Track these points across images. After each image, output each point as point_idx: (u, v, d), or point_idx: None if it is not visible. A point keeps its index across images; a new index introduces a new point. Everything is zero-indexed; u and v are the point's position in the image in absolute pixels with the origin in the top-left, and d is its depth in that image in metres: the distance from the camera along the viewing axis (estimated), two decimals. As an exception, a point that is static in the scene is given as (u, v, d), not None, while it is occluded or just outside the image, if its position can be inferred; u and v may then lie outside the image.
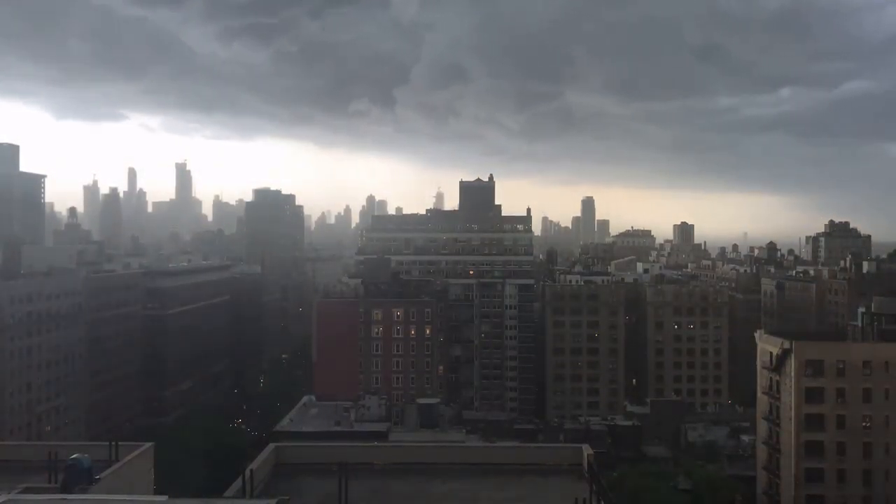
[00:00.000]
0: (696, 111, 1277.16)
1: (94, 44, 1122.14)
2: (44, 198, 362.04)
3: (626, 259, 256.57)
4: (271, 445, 35.31)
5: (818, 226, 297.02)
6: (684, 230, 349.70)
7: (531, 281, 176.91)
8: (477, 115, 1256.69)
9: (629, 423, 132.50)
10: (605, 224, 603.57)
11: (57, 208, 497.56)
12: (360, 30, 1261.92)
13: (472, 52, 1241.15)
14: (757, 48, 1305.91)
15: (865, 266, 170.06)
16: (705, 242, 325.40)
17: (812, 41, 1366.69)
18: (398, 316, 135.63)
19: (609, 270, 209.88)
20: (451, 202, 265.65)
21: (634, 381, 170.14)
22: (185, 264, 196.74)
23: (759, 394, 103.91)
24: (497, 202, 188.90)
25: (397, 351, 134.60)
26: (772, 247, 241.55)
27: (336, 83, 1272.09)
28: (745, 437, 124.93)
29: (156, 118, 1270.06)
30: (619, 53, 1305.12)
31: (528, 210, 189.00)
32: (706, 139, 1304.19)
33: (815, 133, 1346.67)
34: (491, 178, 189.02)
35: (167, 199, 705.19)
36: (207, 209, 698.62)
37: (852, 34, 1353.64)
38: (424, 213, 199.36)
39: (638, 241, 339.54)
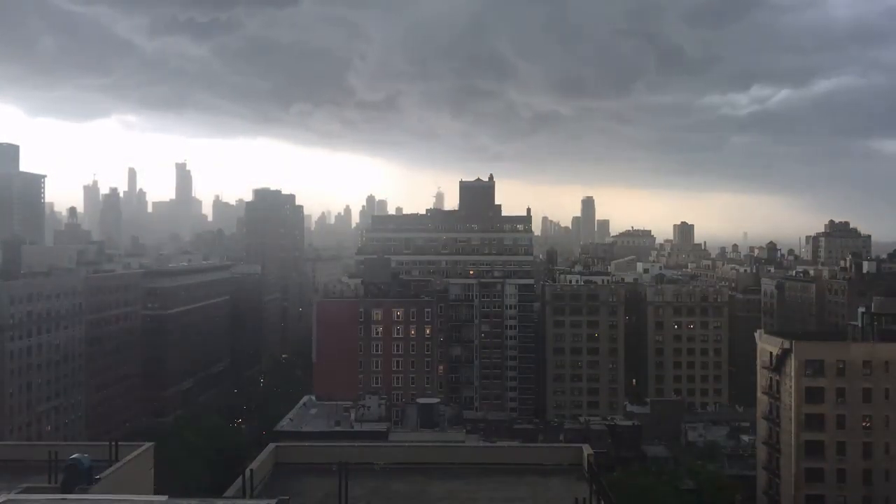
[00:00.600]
0: (669, 110, 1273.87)
1: (50, 40, 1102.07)
2: (44, 198, 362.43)
3: (626, 259, 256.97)
4: (271, 445, 35.31)
5: (818, 226, 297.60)
6: (684, 230, 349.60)
7: (531, 281, 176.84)
8: (459, 116, 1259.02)
9: (629, 423, 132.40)
10: (605, 224, 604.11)
11: (56, 208, 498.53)
12: (318, 29, 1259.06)
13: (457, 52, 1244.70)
14: (718, 44, 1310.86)
15: (865, 266, 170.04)
16: (705, 242, 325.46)
17: (775, 36, 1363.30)
18: (398, 316, 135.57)
19: (609, 270, 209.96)
20: (451, 202, 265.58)
21: (634, 381, 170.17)
22: (185, 264, 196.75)
23: (759, 394, 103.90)
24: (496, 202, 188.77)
25: (397, 351, 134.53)
26: (772, 247, 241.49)
27: (295, 83, 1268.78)
28: (745, 437, 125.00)
29: (129, 116, 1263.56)
30: (592, 53, 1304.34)
31: (528, 210, 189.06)
32: (686, 139, 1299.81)
33: (799, 131, 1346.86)
34: (491, 178, 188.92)
35: (167, 199, 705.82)
36: (207, 209, 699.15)
37: (813, 28, 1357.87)
38: (424, 213, 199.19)
39: (638, 241, 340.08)
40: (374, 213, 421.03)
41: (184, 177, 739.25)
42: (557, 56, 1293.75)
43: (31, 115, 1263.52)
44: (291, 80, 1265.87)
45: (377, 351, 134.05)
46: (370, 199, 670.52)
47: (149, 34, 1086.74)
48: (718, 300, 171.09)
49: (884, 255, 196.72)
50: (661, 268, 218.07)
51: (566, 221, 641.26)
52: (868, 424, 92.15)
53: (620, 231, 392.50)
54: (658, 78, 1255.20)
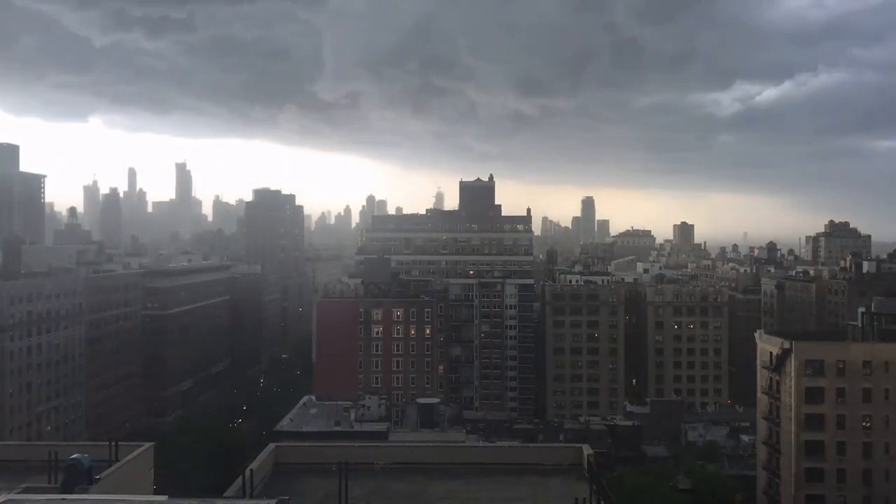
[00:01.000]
0: (652, 110, 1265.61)
1: (27, 39, 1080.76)
2: (44, 198, 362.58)
3: (626, 259, 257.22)
4: (271, 445, 35.31)
5: (818, 226, 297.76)
6: (684, 230, 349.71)
7: (531, 281, 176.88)
8: (447, 115, 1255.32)
9: (629, 423, 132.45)
10: (605, 224, 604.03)
11: (56, 208, 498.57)
12: (291, 27, 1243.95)
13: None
14: (699, 42, 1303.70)
15: (865, 266, 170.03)
16: (705, 242, 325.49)
17: (763, 34, 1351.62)
18: (398, 316, 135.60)
19: (609, 270, 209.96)
20: (451, 202, 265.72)
21: (634, 381, 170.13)
22: (185, 264, 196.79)
23: (759, 394, 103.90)
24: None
25: (397, 351, 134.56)
26: (772, 247, 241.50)
27: (280, 84, 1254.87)
28: (745, 437, 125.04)
29: (114, 115, 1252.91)
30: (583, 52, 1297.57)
31: (528, 210, 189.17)
32: (672, 138, 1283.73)
33: (790, 129, 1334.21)
34: (491, 178, 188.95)
35: (167, 199, 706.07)
36: (207, 209, 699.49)
37: (802, 26, 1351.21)
38: (424, 213, 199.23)
39: (638, 241, 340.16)
40: (374, 213, 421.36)
41: (184, 177, 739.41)
42: (543, 56, 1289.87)
43: (16, 115, 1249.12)
44: (275, 80, 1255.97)
45: (377, 351, 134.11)
46: (370, 199, 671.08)
47: (102, 30, 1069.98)
48: (718, 300, 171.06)
49: (884, 255, 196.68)
50: (661, 268, 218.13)
51: (564, 221, 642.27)
52: (868, 424, 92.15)
53: (620, 231, 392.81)
54: (640, 76, 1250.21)
